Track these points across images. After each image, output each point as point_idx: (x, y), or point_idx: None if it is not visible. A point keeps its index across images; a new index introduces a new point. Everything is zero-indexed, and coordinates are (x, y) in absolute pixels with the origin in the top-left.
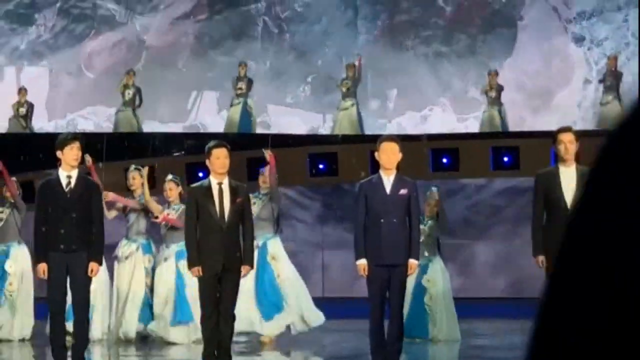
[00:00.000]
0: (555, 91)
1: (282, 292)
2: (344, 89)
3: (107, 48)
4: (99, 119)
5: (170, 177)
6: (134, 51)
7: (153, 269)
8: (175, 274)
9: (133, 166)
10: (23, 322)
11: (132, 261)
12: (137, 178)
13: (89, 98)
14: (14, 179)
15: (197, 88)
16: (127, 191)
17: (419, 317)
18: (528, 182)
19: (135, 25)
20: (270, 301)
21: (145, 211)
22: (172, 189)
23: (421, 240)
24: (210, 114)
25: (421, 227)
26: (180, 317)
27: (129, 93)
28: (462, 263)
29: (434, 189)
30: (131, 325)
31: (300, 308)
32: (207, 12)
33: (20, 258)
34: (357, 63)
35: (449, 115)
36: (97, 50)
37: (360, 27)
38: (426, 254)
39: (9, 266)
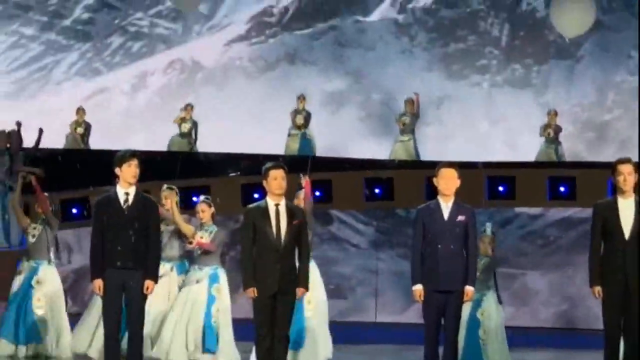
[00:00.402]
0: (611, 123)
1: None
2: (401, 125)
3: (162, 68)
4: (154, 137)
5: (202, 197)
6: (188, 72)
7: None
8: (207, 299)
9: (166, 186)
10: (65, 340)
11: (167, 282)
12: (207, 210)
13: (142, 117)
14: (46, 194)
15: (251, 112)
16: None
17: (473, 350)
18: (581, 213)
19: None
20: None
21: (178, 234)
22: (205, 210)
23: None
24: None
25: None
26: (209, 346)
27: (186, 127)
28: (515, 292)
29: (488, 226)
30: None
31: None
32: (263, 35)
33: (49, 278)
34: (415, 99)
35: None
36: (151, 69)
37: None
38: (479, 287)
39: (35, 282)
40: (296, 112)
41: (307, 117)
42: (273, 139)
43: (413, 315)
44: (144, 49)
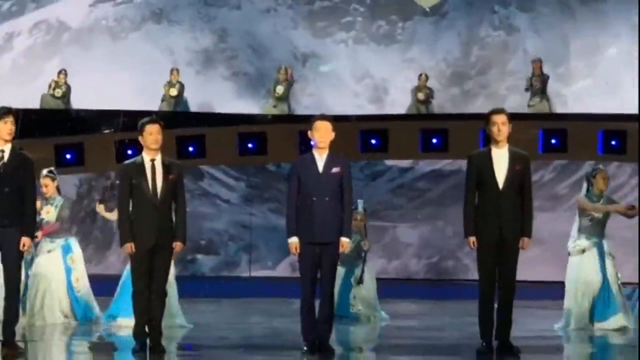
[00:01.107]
0: (476, 78)
1: None
2: (276, 95)
3: (27, 29)
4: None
5: (44, 172)
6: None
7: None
8: (64, 270)
9: (45, 171)
10: None
11: None
12: (50, 184)
13: (8, 78)
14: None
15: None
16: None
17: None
18: (451, 166)
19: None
20: None
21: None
22: (48, 184)
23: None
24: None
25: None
26: (85, 315)
27: (59, 92)
28: (385, 245)
29: (359, 203)
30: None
31: None
32: None
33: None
34: (290, 72)
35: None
36: (17, 30)
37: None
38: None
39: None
40: (170, 85)
41: (181, 89)
42: (144, 100)
43: (286, 269)
44: (14, 8)
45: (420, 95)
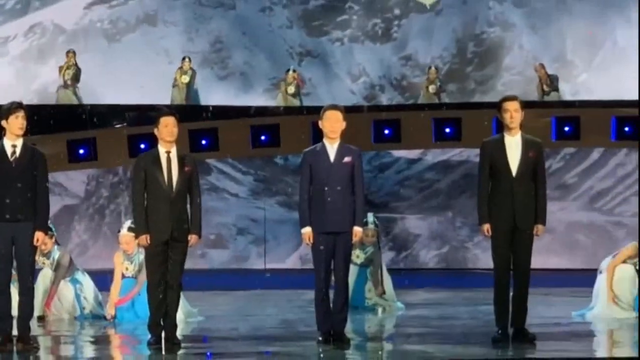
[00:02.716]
0: (471, 75)
1: None
2: (289, 93)
3: (23, 32)
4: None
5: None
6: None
7: None
8: (75, 297)
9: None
10: None
11: None
12: (48, 242)
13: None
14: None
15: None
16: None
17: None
18: (459, 156)
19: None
20: None
21: None
22: (47, 242)
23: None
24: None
25: (361, 253)
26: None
27: (69, 73)
28: (395, 236)
29: (369, 216)
30: None
31: None
32: None
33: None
34: (299, 78)
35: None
36: (12, 34)
37: None
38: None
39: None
40: (181, 72)
41: (193, 76)
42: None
43: (296, 262)
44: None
45: (432, 88)
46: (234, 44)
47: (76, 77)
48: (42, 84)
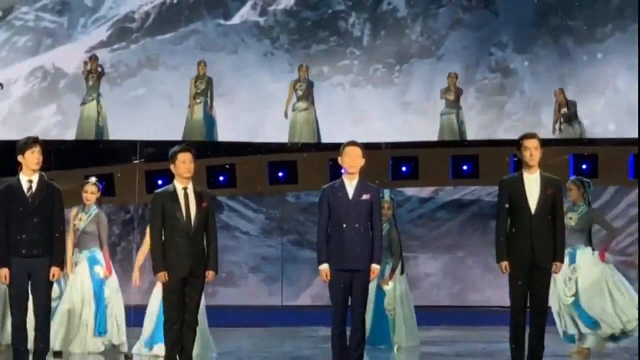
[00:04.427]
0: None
1: None
2: (300, 92)
3: (24, 76)
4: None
5: (92, 179)
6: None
7: None
8: (92, 281)
9: (93, 179)
10: None
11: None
12: (95, 193)
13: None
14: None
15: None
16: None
17: (380, 324)
18: (471, 195)
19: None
20: None
21: None
22: (94, 193)
23: None
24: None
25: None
26: (101, 329)
27: (93, 77)
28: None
29: (386, 193)
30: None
31: None
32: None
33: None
34: (305, 66)
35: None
36: (14, 78)
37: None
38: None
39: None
40: (197, 78)
41: (209, 82)
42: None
43: (306, 301)
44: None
45: (450, 96)
46: (236, 88)
47: (99, 77)
48: (43, 127)
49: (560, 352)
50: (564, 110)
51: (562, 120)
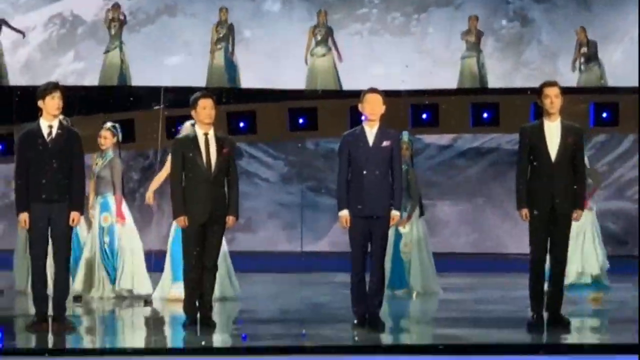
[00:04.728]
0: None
1: None
2: (318, 37)
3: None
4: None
5: (108, 124)
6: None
7: None
8: (98, 228)
9: (109, 124)
10: None
11: None
12: (109, 138)
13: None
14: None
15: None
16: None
17: (398, 269)
18: (490, 143)
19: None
20: None
21: None
22: (107, 137)
23: None
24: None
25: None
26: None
27: (115, 25)
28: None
29: (404, 134)
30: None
31: None
32: None
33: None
34: (323, 10)
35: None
36: (31, 24)
37: None
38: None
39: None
40: (218, 24)
41: (230, 28)
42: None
43: (326, 247)
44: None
45: (471, 38)
46: (254, 35)
47: (121, 26)
48: (61, 74)
49: (578, 300)
50: (584, 50)
51: (582, 60)
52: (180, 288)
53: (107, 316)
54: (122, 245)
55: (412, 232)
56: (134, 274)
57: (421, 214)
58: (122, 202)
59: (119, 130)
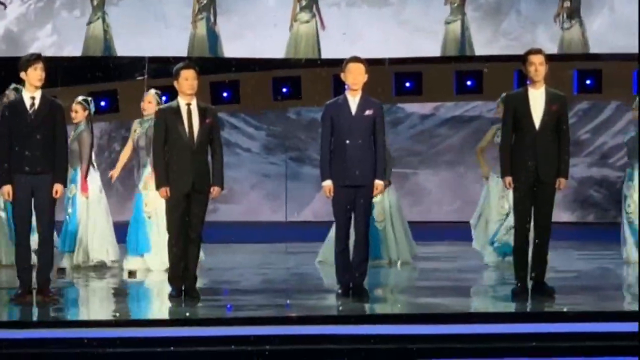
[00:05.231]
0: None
1: None
2: (303, 2)
3: None
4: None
5: (79, 98)
6: None
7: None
8: (65, 200)
9: (80, 98)
10: None
11: None
12: (80, 112)
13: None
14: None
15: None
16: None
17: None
18: (472, 111)
19: None
20: None
21: None
22: (78, 111)
23: None
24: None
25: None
26: (65, 247)
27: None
28: (407, 191)
29: None
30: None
31: None
32: None
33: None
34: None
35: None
36: None
37: None
38: None
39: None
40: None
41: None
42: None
43: (307, 217)
44: None
45: (454, 1)
46: (230, 5)
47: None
48: (39, 47)
49: (561, 267)
50: (567, 4)
51: (565, 15)
52: (133, 261)
53: (89, 287)
54: (83, 217)
55: (383, 200)
56: (100, 245)
57: (389, 182)
58: (87, 174)
59: (91, 104)
